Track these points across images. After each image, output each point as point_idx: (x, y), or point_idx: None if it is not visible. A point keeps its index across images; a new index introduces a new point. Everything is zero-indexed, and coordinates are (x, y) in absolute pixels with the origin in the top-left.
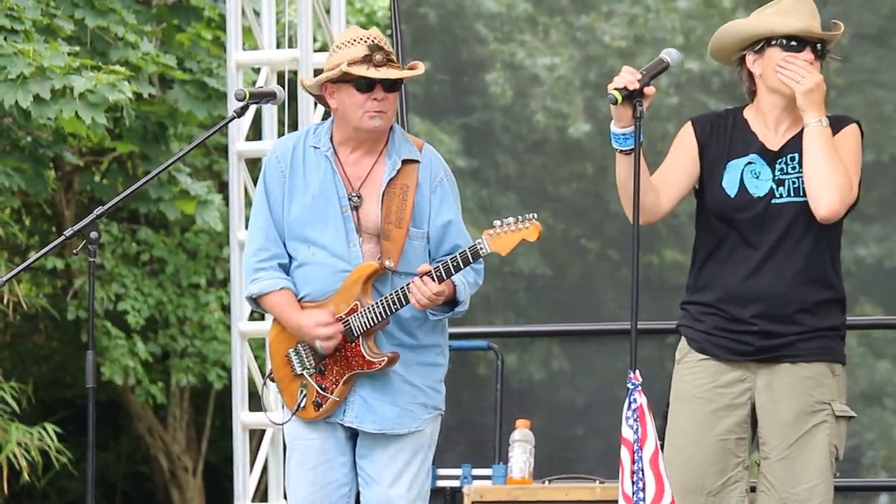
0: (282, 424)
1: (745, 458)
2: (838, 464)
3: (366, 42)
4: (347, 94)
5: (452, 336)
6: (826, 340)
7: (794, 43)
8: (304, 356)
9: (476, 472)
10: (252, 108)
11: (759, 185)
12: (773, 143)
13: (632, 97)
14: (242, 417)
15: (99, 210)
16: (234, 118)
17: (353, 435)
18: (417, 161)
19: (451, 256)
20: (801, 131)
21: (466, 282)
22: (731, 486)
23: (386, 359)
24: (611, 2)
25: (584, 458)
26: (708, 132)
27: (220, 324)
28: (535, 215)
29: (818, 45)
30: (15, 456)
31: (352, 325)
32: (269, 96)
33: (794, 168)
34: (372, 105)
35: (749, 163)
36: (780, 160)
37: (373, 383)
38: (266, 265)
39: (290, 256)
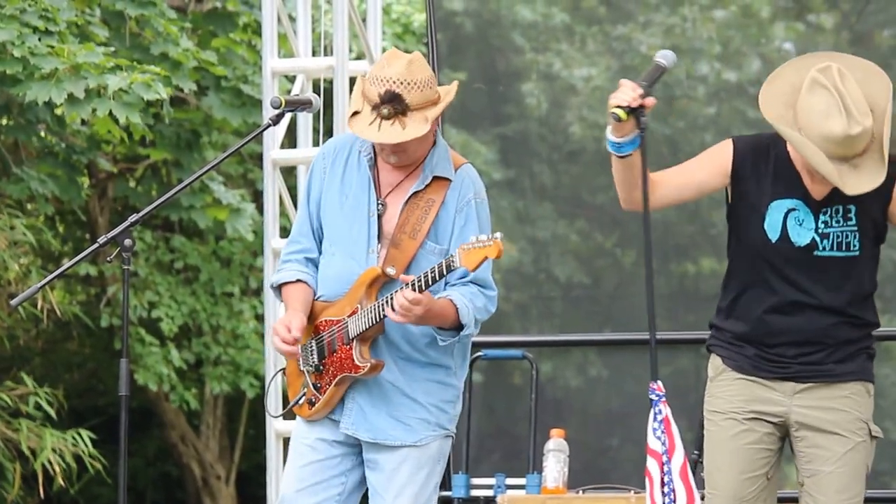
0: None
1: (772, 472)
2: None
3: (386, 83)
4: None
5: (488, 345)
6: (860, 361)
7: None
8: (309, 353)
9: (510, 481)
10: (287, 116)
11: (802, 233)
12: (816, 190)
13: (635, 112)
14: (276, 425)
15: (133, 218)
16: (269, 126)
17: (358, 442)
18: (449, 179)
19: (430, 268)
20: None
21: (474, 306)
22: (762, 497)
23: (369, 365)
24: (648, 12)
25: (618, 467)
26: (749, 164)
27: (254, 333)
28: (501, 235)
29: None
30: (49, 462)
31: (349, 326)
32: (305, 104)
33: (837, 222)
34: (384, 149)
35: (792, 209)
36: (823, 211)
37: (370, 392)
38: (292, 258)
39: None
